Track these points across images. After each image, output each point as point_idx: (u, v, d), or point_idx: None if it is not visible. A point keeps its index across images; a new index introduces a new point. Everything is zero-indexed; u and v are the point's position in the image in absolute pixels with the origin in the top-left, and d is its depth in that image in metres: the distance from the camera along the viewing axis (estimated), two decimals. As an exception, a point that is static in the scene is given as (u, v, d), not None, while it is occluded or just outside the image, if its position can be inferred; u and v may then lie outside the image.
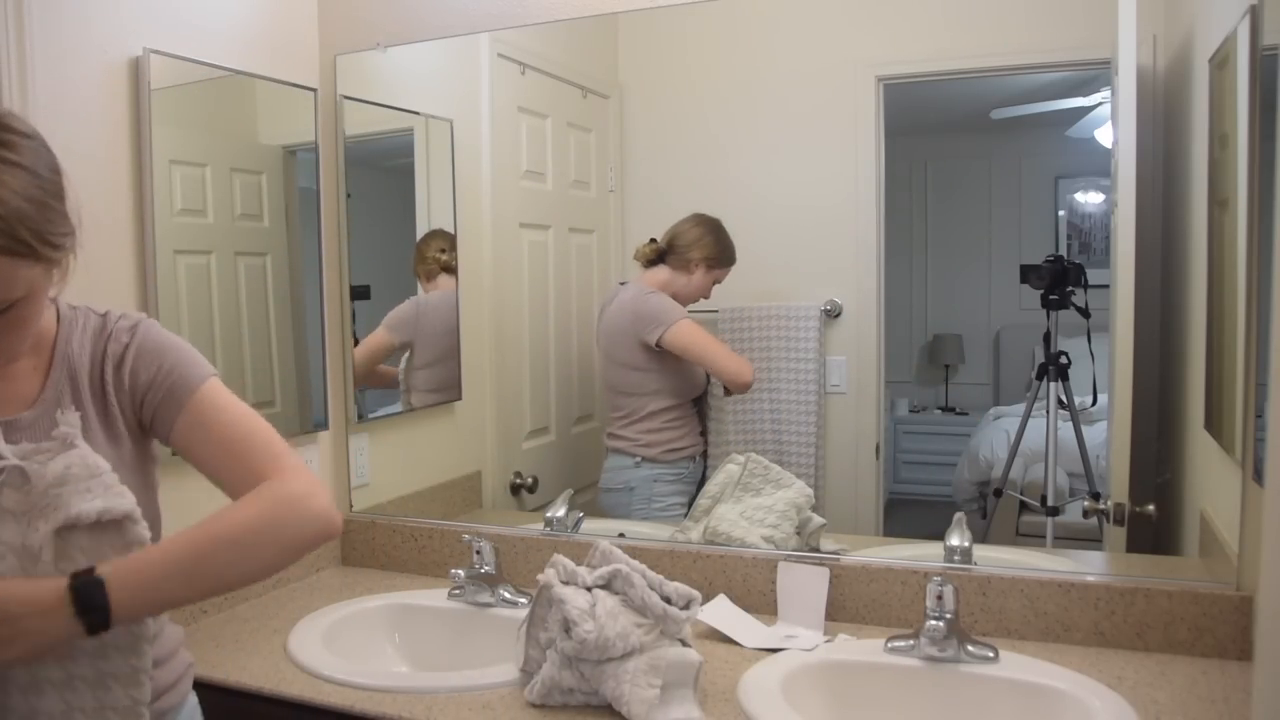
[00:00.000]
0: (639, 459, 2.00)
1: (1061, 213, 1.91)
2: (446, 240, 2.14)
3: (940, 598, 1.46)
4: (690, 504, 1.94)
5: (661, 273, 1.99)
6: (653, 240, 1.99)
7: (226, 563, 1.03)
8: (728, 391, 1.99)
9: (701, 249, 1.96)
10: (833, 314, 1.91)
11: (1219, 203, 1.51)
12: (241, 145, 1.93)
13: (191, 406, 1.11)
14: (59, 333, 1.13)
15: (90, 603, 0.95)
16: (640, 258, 2.00)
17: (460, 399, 2.18)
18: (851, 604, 1.70)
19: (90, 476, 1.00)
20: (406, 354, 2.21)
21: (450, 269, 2.14)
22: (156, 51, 1.70)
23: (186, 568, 1.01)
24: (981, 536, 1.83)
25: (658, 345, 1.95)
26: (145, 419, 1.13)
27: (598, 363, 2.12)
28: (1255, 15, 1.38)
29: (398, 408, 2.24)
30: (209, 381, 1.14)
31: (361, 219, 2.15)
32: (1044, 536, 1.78)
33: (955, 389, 2.07)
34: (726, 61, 1.96)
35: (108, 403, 1.11)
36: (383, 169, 2.25)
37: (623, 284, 2.04)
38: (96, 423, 1.10)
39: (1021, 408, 1.85)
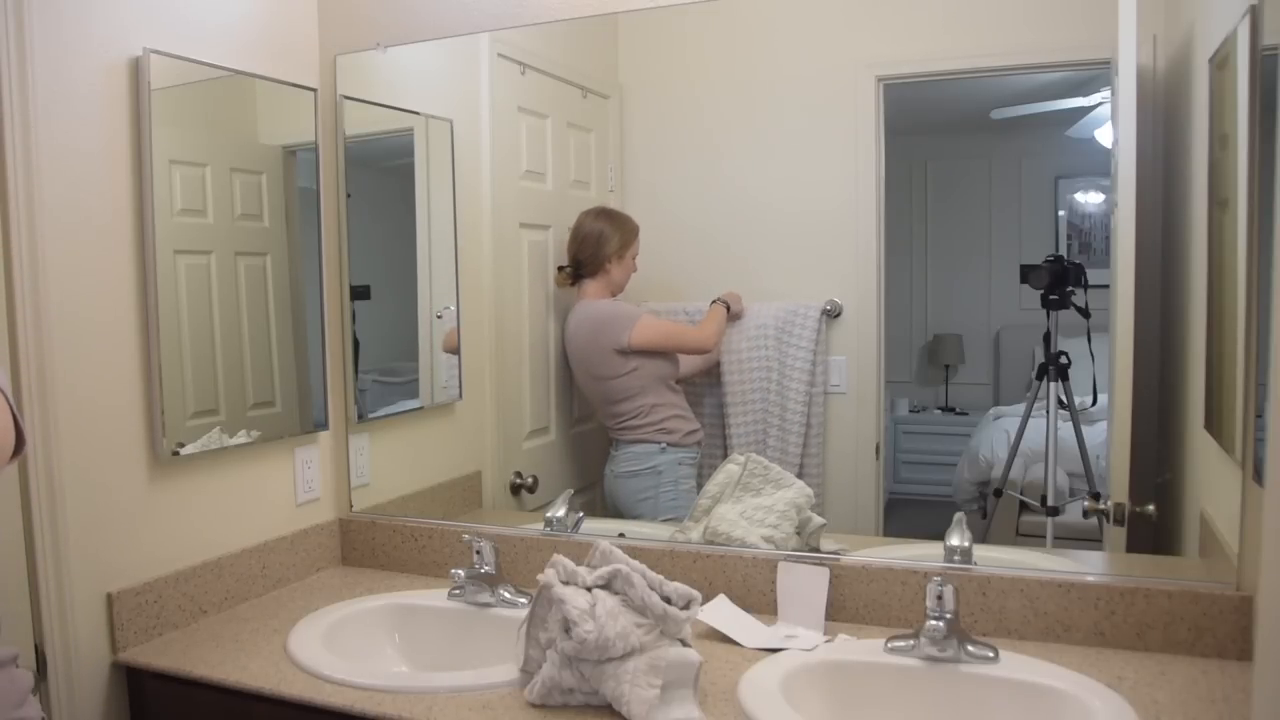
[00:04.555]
0: (663, 445, 2.03)
1: (1061, 213, 1.91)
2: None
3: (940, 598, 1.46)
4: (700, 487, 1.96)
5: (589, 286, 2.05)
6: (561, 268, 2.07)
7: None
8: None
9: (605, 244, 2.03)
10: (833, 314, 1.91)
11: (1219, 203, 1.51)
12: (241, 145, 1.93)
13: None
14: None
15: None
16: (563, 284, 2.08)
17: (460, 399, 2.19)
18: (851, 604, 1.70)
19: None
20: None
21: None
22: (156, 51, 1.70)
23: None
24: (981, 536, 1.83)
25: (629, 346, 2.00)
26: None
27: (579, 384, 2.15)
28: (1255, 15, 1.38)
29: (398, 407, 2.24)
30: None
31: (361, 219, 2.15)
32: (1044, 536, 1.78)
33: (955, 389, 2.07)
34: (726, 62, 1.96)
35: None
36: (383, 169, 2.25)
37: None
38: None
39: (1021, 408, 1.85)
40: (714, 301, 1.98)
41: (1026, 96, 1.85)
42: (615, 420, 2.06)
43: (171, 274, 1.75)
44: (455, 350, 2.17)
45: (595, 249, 2.03)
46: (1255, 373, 1.37)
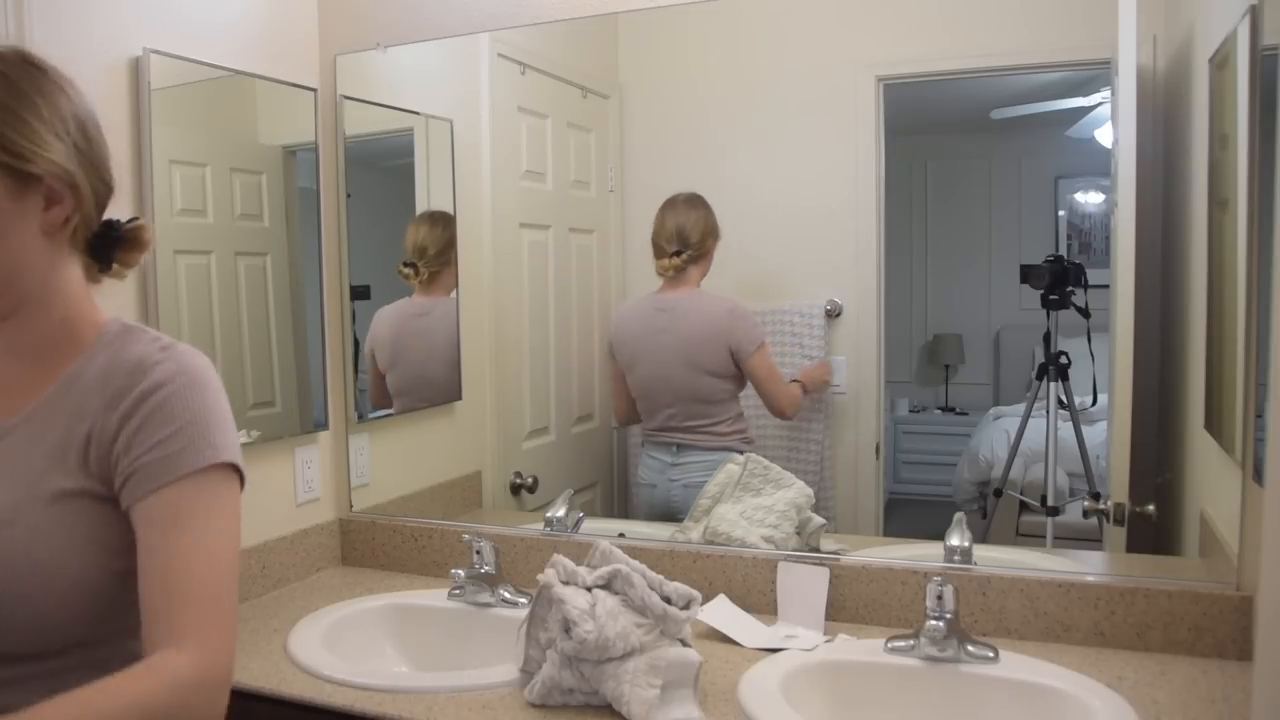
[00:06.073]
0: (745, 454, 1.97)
1: (1061, 213, 1.91)
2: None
3: (940, 598, 1.46)
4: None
5: (692, 274, 1.96)
6: (676, 253, 1.94)
7: None
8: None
9: (714, 232, 1.95)
10: (833, 314, 1.91)
11: (1219, 203, 1.51)
12: (241, 145, 1.93)
13: (165, 495, 0.94)
14: (85, 350, 1.03)
15: None
16: (671, 270, 1.95)
17: (460, 399, 2.19)
18: (851, 604, 1.70)
19: None
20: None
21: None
22: (156, 51, 1.70)
23: None
24: (981, 536, 1.83)
25: (748, 358, 1.93)
26: (117, 484, 0.96)
27: (651, 373, 2.03)
28: (1255, 15, 1.38)
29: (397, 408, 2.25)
30: (205, 473, 0.95)
31: (361, 219, 2.15)
32: (1044, 536, 1.78)
33: (955, 389, 2.07)
34: (726, 61, 1.96)
35: (98, 455, 0.96)
36: (383, 169, 2.25)
37: (655, 292, 2.00)
38: (73, 467, 0.96)
39: (1021, 408, 1.85)
40: (791, 381, 1.93)
41: (1026, 96, 1.85)
42: (700, 420, 1.97)
43: (171, 274, 1.75)
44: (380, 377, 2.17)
45: (702, 236, 1.94)
46: (1255, 373, 1.37)
